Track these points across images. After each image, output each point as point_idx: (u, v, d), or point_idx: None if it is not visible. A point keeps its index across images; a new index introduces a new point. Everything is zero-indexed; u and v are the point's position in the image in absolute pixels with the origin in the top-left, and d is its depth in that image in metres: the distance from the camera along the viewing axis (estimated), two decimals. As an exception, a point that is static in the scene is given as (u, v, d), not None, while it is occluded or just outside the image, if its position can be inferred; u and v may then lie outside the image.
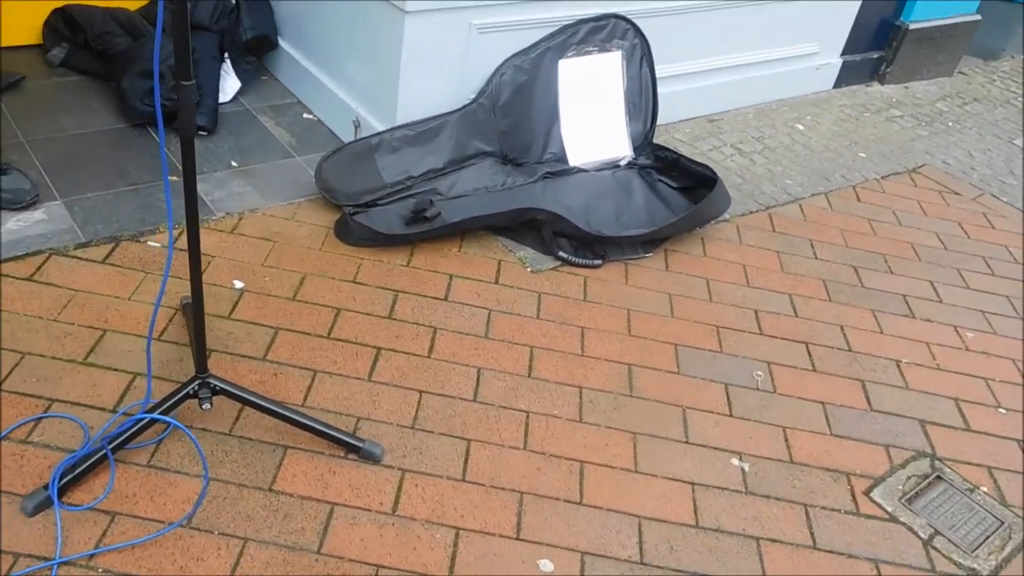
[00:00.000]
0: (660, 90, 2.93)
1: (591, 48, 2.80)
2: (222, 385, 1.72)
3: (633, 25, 2.84)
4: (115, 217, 2.28)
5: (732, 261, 2.61)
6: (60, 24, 2.83)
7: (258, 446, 1.75)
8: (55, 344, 1.89)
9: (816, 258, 2.71)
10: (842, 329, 2.41)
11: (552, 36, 2.72)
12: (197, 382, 1.71)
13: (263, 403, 1.75)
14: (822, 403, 2.13)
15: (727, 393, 2.11)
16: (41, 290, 2.03)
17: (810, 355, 2.29)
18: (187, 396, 1.70)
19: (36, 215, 2.24)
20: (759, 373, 2.19)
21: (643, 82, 2.90)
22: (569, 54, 2.76)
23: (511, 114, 2.69)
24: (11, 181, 2.22)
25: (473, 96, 2.64)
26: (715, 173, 2.70)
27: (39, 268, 2.09)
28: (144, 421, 1.64)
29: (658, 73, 2.92)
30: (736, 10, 3.21)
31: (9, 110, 2.60)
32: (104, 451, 1.60)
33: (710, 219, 2.71)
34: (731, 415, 2.05)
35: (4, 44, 2.84)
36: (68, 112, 2.65)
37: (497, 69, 2.66)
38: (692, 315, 2.36)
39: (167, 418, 1.63)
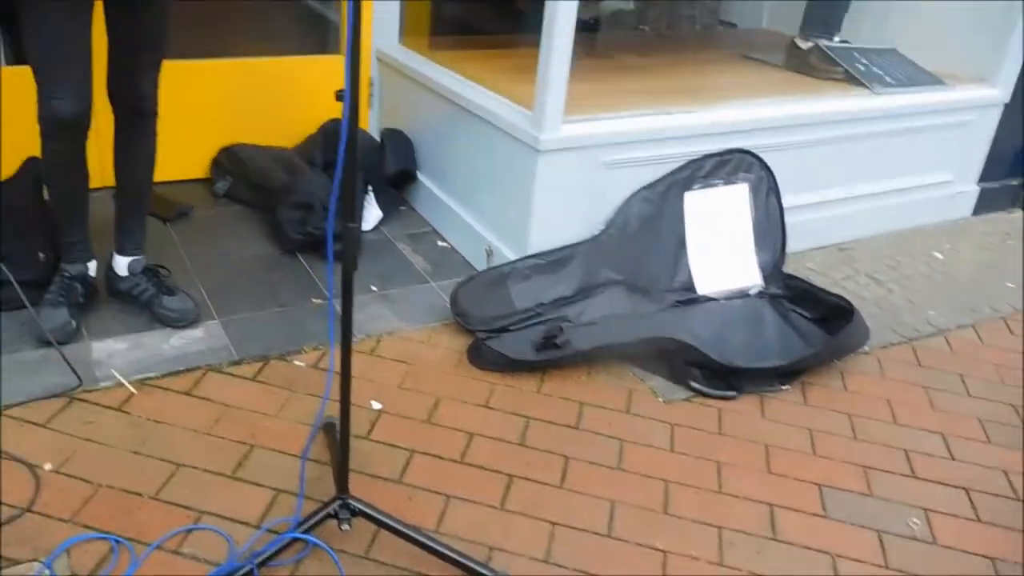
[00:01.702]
0: (788, 219, 2.92)
1: (717, 181, 2.84)
2: (362, 507, 1.74)
3: (758, 159, 2.87)
4: (265, 336, 2.42)
5: (876, 396, 2.48)
6: (225, 160, 3.13)
7: (392, 571, 1.75)
8: (207, 457, 1.99)
9: (969, 395, 2.54)
10: (1006, 475, 2.22)
11: (678, 170, 2.79)
12: (338, 503, 1.74)
13: (401, 528, 1.76)
14: (990, 559, 1.95)
15: (880, 541, 1.96)
16: (197, 404, 2.15)
17: (971, 502, 2.11)
18: (328, 516, 1.74)
19: (196, 333, 2.41)
20: (915, 520, 2.03)
21: (770, 212, 2.91)
22: (695, 187, 2.81)
23: (639, 244, 2.74)
24: (177, 302, 2.41)
25: (602, 227, 2.71)
26: (851, 304, 2.63)
27: (196, 383, 2.22)
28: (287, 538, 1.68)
29: (785, 203, 2.92)
30: (861, 143, 3.21)
31: (178, 237, 2.86)
32: (251, 568, 1.64)
33: (848, 352, 2.61)
34: (887, 567, 1.89)
35: (177, 178, 3.15)
36: (228, 239, 2.89)
37: (625, 201, 2.73)
38: (836, 453, 2.24)
39: (318, 540, 1.67)
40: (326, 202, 2.82)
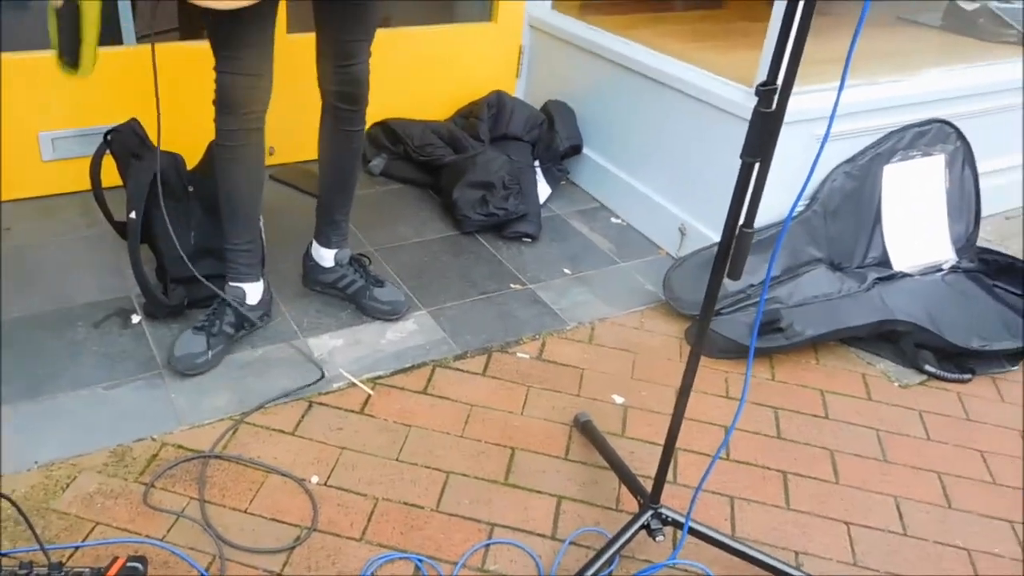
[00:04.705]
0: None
1: (915, 152, 2.72)
2: (675, 517, 1.64)
3: (956, 129, 2.76)
4: (479, 327, 2.28)
5: (1105, 375, 2.42)
6: (381, 136, 2.95)
7: (714, 583, 1.66)
8: (473, 463, 1.87)
9: None
10: None
11: (880, 142, 2.66)
12: (650, 512, 1.65)
13: (725, 540, 1.66)
14: None
15: None
16: (439, 404, 2.02)
17: None
18: (640, 528, 1.64)
19: (409, 326, 2.26)
20: None
21: (964, 184, 2.80)
22: (894, 159, 2.69)
23: (839, 219, 2.62)
24: (388, 293, 2.26)
25: (807, 203, 2.60)
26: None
27: (429, 381, 2.09)
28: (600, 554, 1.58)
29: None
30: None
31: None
32: (592, 589, 1.53)
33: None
34: None
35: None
36: (401, 220, 2.73)
37: (828, 176, 2.61)
38: (1094, 438, 2.18)
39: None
40: (506, 181, 2.67)
